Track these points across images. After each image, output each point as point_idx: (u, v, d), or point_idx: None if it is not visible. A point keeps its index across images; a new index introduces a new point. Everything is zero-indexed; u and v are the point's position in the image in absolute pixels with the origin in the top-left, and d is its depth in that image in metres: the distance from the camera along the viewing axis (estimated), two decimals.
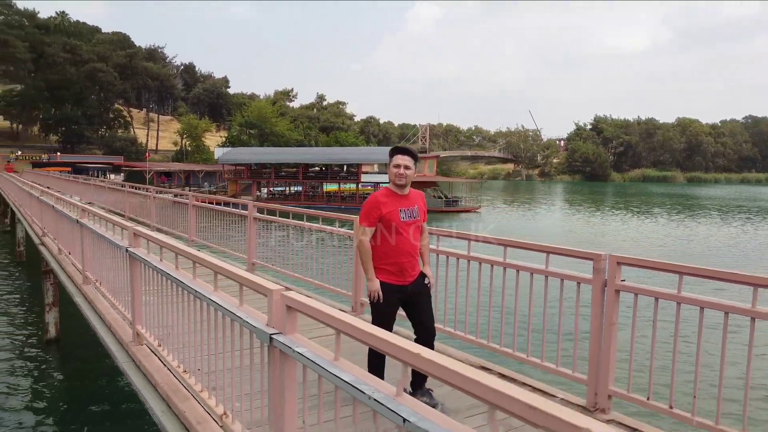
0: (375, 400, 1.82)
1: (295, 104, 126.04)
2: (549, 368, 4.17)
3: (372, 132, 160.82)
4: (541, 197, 78.63)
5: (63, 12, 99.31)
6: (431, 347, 3.81)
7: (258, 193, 57.32)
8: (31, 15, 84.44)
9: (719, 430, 3.17)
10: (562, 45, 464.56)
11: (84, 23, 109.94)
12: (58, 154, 67.40)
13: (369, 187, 56.21)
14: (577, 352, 3.96)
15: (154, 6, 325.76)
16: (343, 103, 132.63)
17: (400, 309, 4.07)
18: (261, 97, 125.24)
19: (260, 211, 8.77)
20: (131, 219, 15.43)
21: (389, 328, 3.96)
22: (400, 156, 3.94)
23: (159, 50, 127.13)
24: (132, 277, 4.69)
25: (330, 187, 57.71)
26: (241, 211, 9.02)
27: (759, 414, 6.45)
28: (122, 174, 64.78)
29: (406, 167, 3.91)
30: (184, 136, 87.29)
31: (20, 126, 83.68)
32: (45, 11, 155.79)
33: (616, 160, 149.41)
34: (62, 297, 10.65)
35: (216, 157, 64.40)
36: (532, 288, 4.29)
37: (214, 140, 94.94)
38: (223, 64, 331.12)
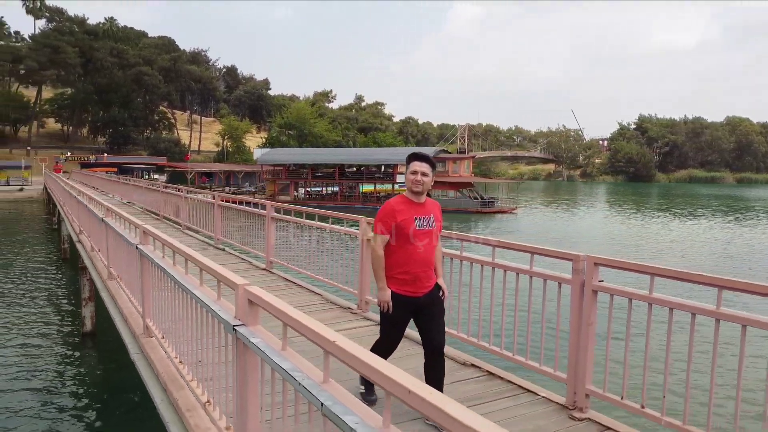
0: (303, 386, 1.98)
1: (334, 105, 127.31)
2: (533, 367, 4.26)
3: (410, 132, 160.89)
4: (582, 198, 77.25)
5: (111, 18, 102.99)
6: (439, 361, 3.86)
7: (295, 194, 58.18)
8: (81, 21, 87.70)
9: (686, 429, 3.22)
10: (606, 43, 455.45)
11: (131, 28, 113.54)
12: (105, 155, 69.86)
13: (405, 188, 56.35)
14: (559, 351, 4.03)
15: (199, 10, 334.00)
16: (382, 104, 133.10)
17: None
18: (301, 98, 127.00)
19: (279, 211, 9.01)
20: (165, 218, 16.00)
21: (397, 339, 3.95)
22: (417, 162, 3.80)
23: (202, 53, 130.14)
24: (142, 272, 4.97)
25: (367, 187, 58.19)
26: (261, 211, 9.29)
27: (724, 412, 6.33)
28: (165, 174, 66.63)
29: (424, 174, 3.78)
30: (225, 137, 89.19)
31: (70, 128, 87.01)
32: (94, 17, 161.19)
33: (661, 161, 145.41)
34: (96, 292, 11.16)
35: (255, 157, 65.62)
36: (518, 288, 4.37)
37: (254, 141, 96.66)
38: (265, 66, 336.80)
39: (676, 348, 3.42)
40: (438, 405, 1.37)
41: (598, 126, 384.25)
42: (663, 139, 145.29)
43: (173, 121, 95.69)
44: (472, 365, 4.70)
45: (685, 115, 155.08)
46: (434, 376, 3.82)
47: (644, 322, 3.55)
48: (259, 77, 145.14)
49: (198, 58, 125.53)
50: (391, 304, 3.80)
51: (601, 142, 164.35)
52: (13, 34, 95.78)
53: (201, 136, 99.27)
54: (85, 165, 63.47)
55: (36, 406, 8.80)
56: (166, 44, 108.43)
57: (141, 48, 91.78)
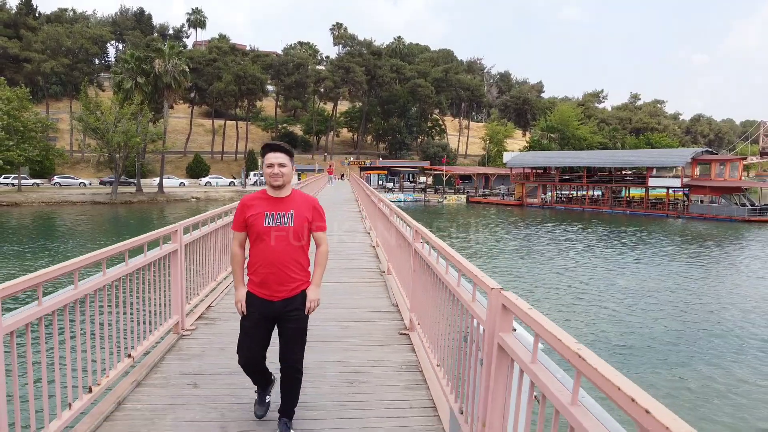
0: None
1: (606, 105, 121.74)
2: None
3: (700, 132, 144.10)
4: None
5: (399, 36, 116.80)
6: (293, 376, 3.56)
7: (543, 196, 58.69)
8: (368, 44, 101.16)
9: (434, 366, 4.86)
10: None
11: (416, 44, 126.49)
12: (379, 159, 79.73)
13: (661, 192, 52.42)
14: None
15: (483, 19, 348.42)
16: (661, 102, 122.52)
17: None
18: (573, 99, 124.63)
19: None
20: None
21: (251, 348, 3.55)
22: (271, 154, 3.50)
23: (477, 62, 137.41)
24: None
25: (634, 191, 55.77)
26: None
27: None
28: (426, 177, 73.26)
29: (281, 165, 3.47)
30: (488, 141, 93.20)
31: (358, 136, 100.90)
32: (386, 38, 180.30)
33: None
34: None
35: (505, 161, 67.80)
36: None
37: (517, 145, 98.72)
38: (543, 68, 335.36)
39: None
40: None
41: None
42: None
43: (443, 127, 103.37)
44: (396, 307, 6.62)
45: None
46: (286, 388, 3.55)
47: None
48: (533, 80, 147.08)
49: (473, 66, 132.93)
50: (243, 304, 3.56)
51: None
52: (325, 59, 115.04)
53: (468, 140, 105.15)
54: (363, 168, 73.66)
55: None
56: (444, 56, 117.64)
57: (418, 62, 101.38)
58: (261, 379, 3.72)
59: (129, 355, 4.24)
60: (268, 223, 3.45)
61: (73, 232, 32.89)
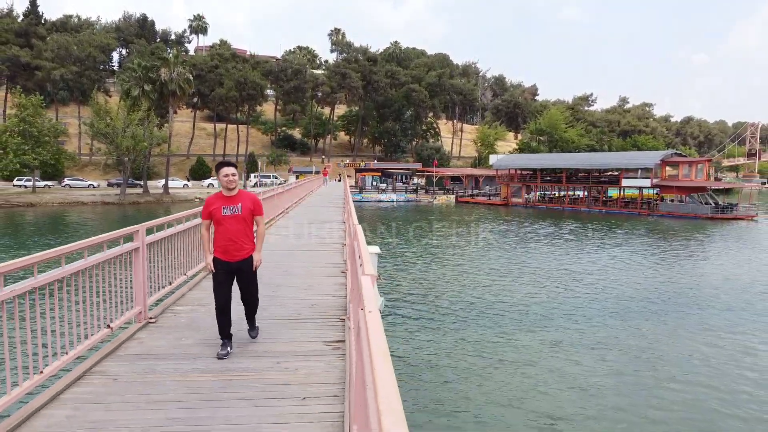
0: None
1: (596, 108, 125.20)
2: None
3: (690, 133, 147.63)
4: None
5: (396, 41, 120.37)
6: (250, 317, 5.61)
7: (527, 196, 62.15)
8: (364, 50, 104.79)
9: None
10: None
11: (413, 48, 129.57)
12: (374, 161, 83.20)
13: (634, 192, 55.81)
14: None
15: (483, 19, 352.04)
16: (649, 105, 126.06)
17: None
18: (566, 102, 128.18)
19: None
20: None
21: (220, 295, 5.26)
22: (225, 168, 5.30)
23: (473, 65, 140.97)
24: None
25: (614, 192, 59.17)
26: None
27: None
28: (419, 178, 76.76)
29: (234, 174, 5.31)
30: (479, 143, 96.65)
31: (355, 139, 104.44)
32: (379, 44, 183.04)
33: None
34: None
35: (491, 163, 71.24)
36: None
37: (508, 147, 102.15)
38: (543, 68, 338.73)
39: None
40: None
41: None
42: None
43: (437, 129, 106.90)
44: None
45: None
46: (249, 308, 5.59)
47: None
48: (532, 82, 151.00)
49: (469, 70, 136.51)
50: (212, 266, 5.37)
51: None
52: (323, 64, 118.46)
53: (461, 143, 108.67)
54: (358, 170, 77.10)
55: None
56: (440, 60, 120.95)
57: (413, 68, 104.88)
58: (227, 323, 5.27)
59: (184, 273, 7.72)
60: (225, 213, 5.26)
61: (92, 228, 36.40)
